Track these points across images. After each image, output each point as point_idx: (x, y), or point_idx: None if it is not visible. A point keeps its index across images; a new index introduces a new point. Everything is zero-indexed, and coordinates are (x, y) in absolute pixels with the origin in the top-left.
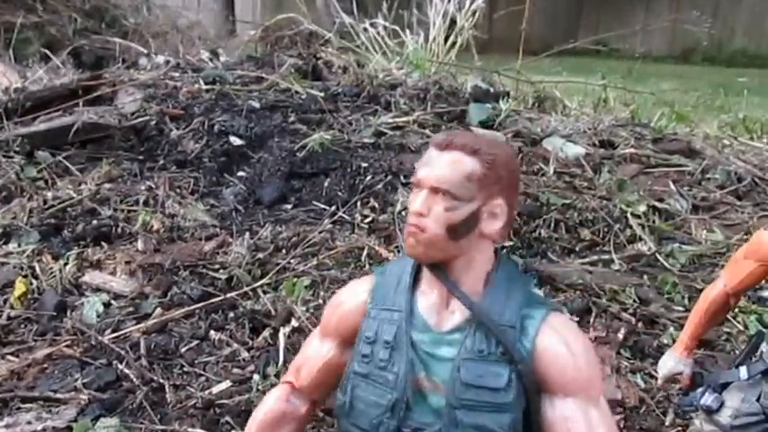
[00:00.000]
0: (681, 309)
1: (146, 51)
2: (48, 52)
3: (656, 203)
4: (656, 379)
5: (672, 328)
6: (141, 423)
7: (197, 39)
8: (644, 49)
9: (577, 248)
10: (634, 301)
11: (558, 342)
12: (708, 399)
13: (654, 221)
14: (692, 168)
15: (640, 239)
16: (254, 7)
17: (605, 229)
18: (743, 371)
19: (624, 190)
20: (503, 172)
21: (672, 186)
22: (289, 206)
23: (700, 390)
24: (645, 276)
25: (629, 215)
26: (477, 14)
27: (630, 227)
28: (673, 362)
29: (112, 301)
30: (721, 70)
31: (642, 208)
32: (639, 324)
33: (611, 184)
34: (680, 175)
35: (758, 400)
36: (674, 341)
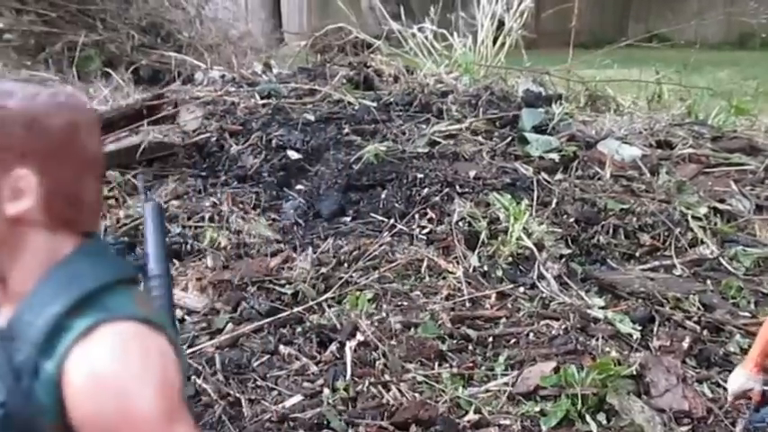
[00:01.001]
0: (747, 314)
1: (201, 65)
2: (108, 70)
3: (718, 204)
4: (724, 388)
5: (738, 336)
6: None
7: (248, 49)
8: (698, 37)
9: (637, 254)
10: (698, 308)
11: (85, 369)
12: None
13: (716, 223)
14: (755, 167)
15: (702, 243)
16: (300, 14)
17: (665, 234)
18: None
19: (683, 192)
20: (21, 132)
21: (733, 186)
22: (348, 219)
23: None
24: (708, 281)
25: (689, 218)
26: (525, 14)
27: (692, 230)
28: (743, 378)
29: (186, 317)
30: None
31: (703, 210)
32: (704, 332)
33: (669, 186)
34: (741, 174)
35: None
36: (740, 349)
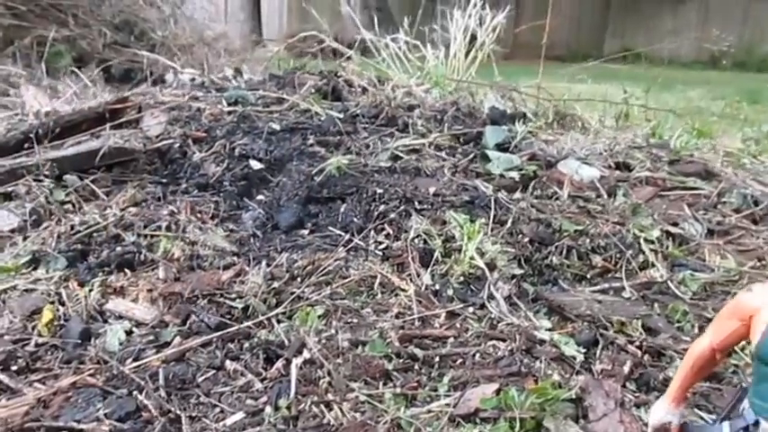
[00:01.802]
0: (689, 339)
1: (173, 66)
2: (78, 67)
3: (671, 228)
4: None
5: (678, 360)
6: None
7: (222, 51)
8: (672, 56)
9: (589, 276)
10: (641, 332)
11: None
12: None
13: (667, 247)
14: (708, 191)
15: (653, 266)
16: (279, 17)
17: (617, 256)
18: (725, 427)
19: (638, 214)
20: None
21: (687, 210)
22: (305, 231)
23: None
24: (656, 305)
25: (641, 240)
26: (498, 30)
27: (643, 252)
28: (663, 411)
29: (134, 329)
30: (751, 76)
31: (656, 233)
32: (646, 356)
33: (625, 208)
34: (696, 198)
35: None
36: None
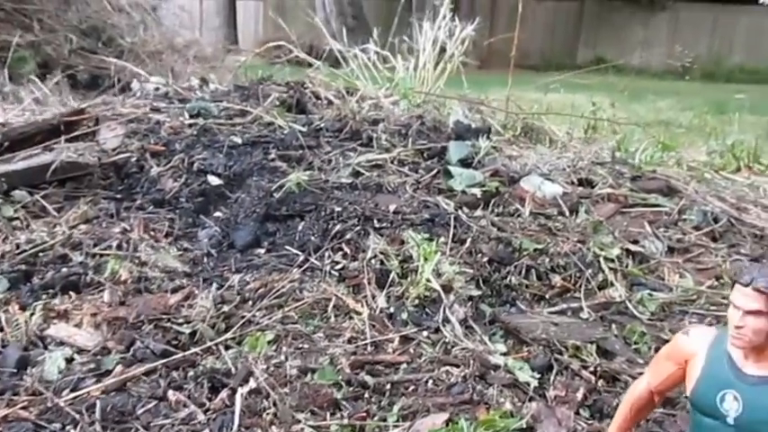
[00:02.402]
0: (644, 362)
1: (140, 73)
2: (38, 76)
3: (631, 246)
4: None
5: None
6: None
7: (192, 58)
8: (642, 65)
9: (548, 296)
10: (595, 357)
11: None
12: None
13: (627, 265)
14: (670, 208)
15: (612, 285)
16: (255, 24)
17: (577, 275)
18: None
19: (599, 232)
20: None
21: (647, 227)
22: (262, 251)
23: None
24: (613, 326)
25: (601, 259)
26: (466, 42)
27: (603, 271)
28: None
29: (75, 356)
30: (720, 86)
31: (616, 251)
32: (600, 382)
33: (586, 225)
34: (657, 216)
35: None
36: None
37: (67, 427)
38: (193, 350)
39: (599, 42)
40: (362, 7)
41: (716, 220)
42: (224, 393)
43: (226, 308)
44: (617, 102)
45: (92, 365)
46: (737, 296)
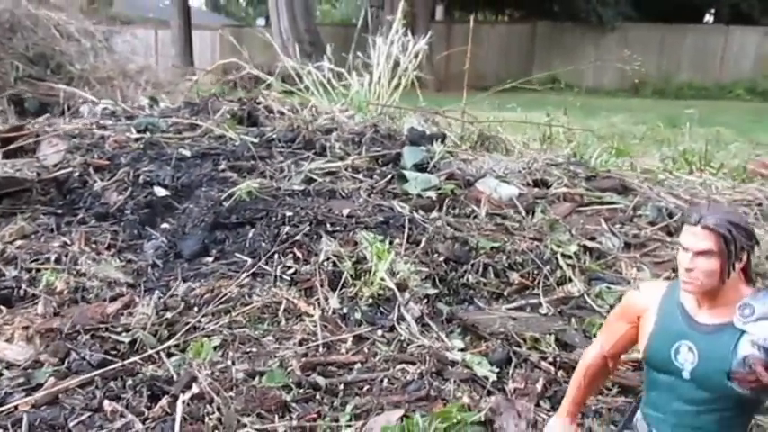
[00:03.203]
0: None
1: (91, 98)
2: None
3: (588, 243)
4: None
5: None
6: None
7: (144, 83)
8: (596, 84)
9: (506, 293)
10: (554, 348)
11: None
12: None
13: (585, 261)
14: (624, 205)
15: (570, 281)
16: (212, 51)
17: (535, 272)
18: None
19: (556, 230)
20: None
21: (604, 224)
22: (210, 259)
23: None
24: (572, 320)
25: (559, 256)
26: (420, 56)
27: (561, 268)
28: (558, 429)
29: (5, 371)
30: (670, 102)
31: (573, 248)
32: (560, 372)
33: (543, 224)
34: (612, 213)
35: None
36: None
37: None
38: (133, 359)
39: (552, 63)
40: (319, 33)
41: (670, 216)
42: (164, 401)
43: (169, 314)
44: (571, 117)
45: (21, 379)
46: (686, 237)
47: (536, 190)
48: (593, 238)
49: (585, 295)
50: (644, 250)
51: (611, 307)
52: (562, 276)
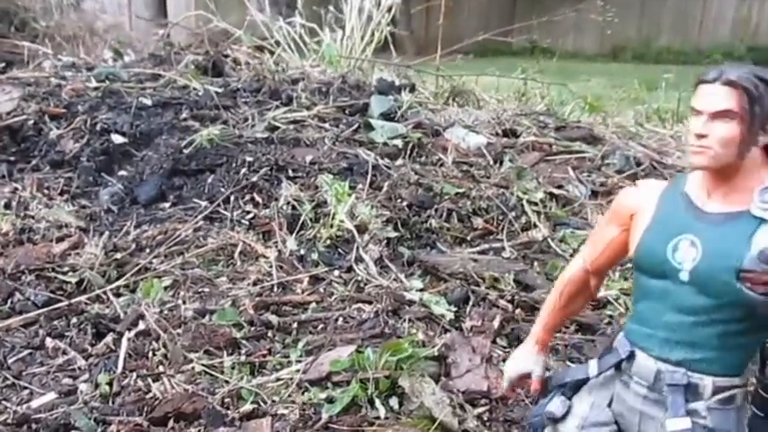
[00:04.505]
0: None
1: (52, 53)
2: None
3: (555, 190)
4: None
5: None
6: None
7: (113, 41)
8: (576, 49)
9: (469, 238)
10: (512, 287)
11: None
12: (553, 404)
13: (551, 208)
14: (593, 154)
15: (535, 227)
16: (187, 8)
17: (500, 218)
18: (592, 365)
19: (523, 178)
20: None
21: (571, 173)
22: (167, 204)
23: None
24: (535, 263)
25: (525, 203)
26: (393, 10)
27: (526, 214)
28: (522, 359)
29: None
30: (649, 67)
31: (539, 195)
32: (518, 310)
33: (510, 172)
34: (580, 162)
35: (609, 405)
36: None
37: None
38: (79, 298)
39: (532, 27)
40: None
41: (638, 164)
42: (109, 338)
43: (118, 255)
44: (549, 81)
45: None
46: (700, 98)
47: (505, 139)
48: (560, 186)
49: (549, 239)
50: (610, 198)
51: (575, 251)
52: (527, 222)
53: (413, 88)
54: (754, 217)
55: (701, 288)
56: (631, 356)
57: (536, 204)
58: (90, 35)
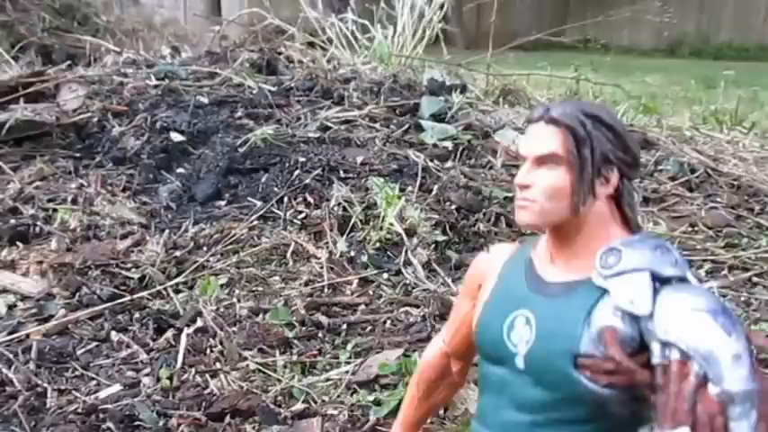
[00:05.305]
0: None
1: (116, 49)
2: (15, 56)
3: None
4: None
5: None
6: (12, 430)
7: (170, 36)
8: (631, 44)
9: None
10: None
11: None
12: None
13: None
14: (645, 160)
15: None
16: (240, 4)
17: None
18: None
19: None
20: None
21: None
22: (222, 203)
23: None
24: None
25: None
26: (445, 7)
27: None
28: None
29: (18, 302)
30: (708, 63)
31: None
32: None
33: None
34: None
35: None
36: None
37: (0, 368)
38: (141, 294)
39: (588, 22)
40: None
41: (693, 171)
42: (169, 333)
43: (178, 253)
44: (603, 76)
45: (34, 311)
46: (523, 140)
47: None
48: None
49: None
50: (662, 205)
51: None
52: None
53: (464, 89)
54: (594, 287)
55: (536, 378)
56: None
57: None
58: (148, 30)
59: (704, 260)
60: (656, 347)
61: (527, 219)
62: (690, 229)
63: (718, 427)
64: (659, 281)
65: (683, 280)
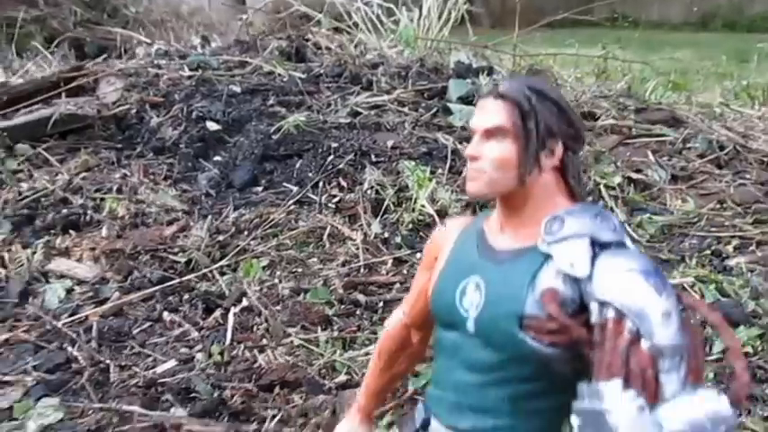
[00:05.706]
0: None
1: (147, 40)
2: (38, 48)
3: (633, 174)
4: None
5: None
6: (81, 402)
7: (198, 25)
8: (661, 19)
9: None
10: None
11: None
12: None
13: (628, 193)
14: (674, 138)
15: (612, 211)
16: None
17: None
18: None
19: (601, 162)
20: None
21: (651, 157)
22: (259, 188)
23: None
24: None
25: (602, 187)
26: None
27: (603, 199)
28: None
29: (75, 287)
30: (741, 36)
31: (617, 179)
32: None
33: (588, 155)
34: (660, 145)
35: None
36: None
37: (65, 346)
38: (189, 277)
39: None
40: None
41: (721, 148)
42: (217, 313)
43: (221, 238)
44: (632, 53)
45: (90, 294)
46: (474, 115)
47: (583, 122)
48: (638, 170)
49: (626, 225)
50: (691, 182)
51: (652, 236)
52: (604, 207)
53: (491, 71)
54: (539, 252)
55: (485, 340)
56: (426, 425)
57: (613, 189)
58: (176, 20)
59: (732, 236)
60: (594, 307)
61: (476, 189)
62: (718, 206)
63: (649, 379)
64: (599, 246)
65: (621, 245)
